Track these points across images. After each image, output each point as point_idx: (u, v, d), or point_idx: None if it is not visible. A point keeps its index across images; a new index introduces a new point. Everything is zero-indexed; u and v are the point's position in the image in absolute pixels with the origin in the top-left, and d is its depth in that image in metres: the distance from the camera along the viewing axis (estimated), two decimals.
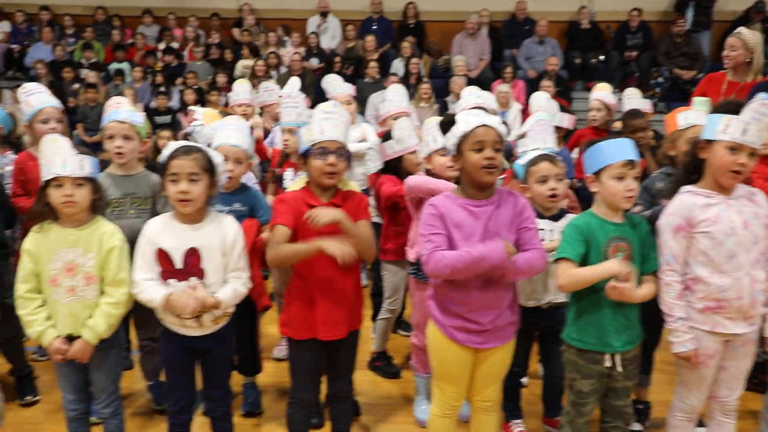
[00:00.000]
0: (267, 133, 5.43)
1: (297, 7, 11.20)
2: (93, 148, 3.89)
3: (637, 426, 3.26)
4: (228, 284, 2.64)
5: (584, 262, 2.53)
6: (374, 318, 4.09)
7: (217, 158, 2.66)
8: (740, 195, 2.57)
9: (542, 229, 2.98)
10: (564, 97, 9.07)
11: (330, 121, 2.66)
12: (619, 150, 2.54)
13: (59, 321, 2.62)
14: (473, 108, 4.12)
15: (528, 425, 3.32)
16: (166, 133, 7.70)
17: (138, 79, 9.81)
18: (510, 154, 3.91)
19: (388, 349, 4.05)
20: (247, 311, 3.20)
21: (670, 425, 2.79)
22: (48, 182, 2.55)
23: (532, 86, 9.38)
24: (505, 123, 2.62)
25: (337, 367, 2.81)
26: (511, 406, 3.28)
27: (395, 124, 3.50)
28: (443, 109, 8.89)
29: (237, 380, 3.40)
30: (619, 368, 2.58)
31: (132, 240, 2.71)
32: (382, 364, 3.94)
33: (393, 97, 4.57)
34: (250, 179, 3.64)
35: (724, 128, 2.47)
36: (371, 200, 3.42)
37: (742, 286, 2.50)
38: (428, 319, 3.10)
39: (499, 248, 2.38)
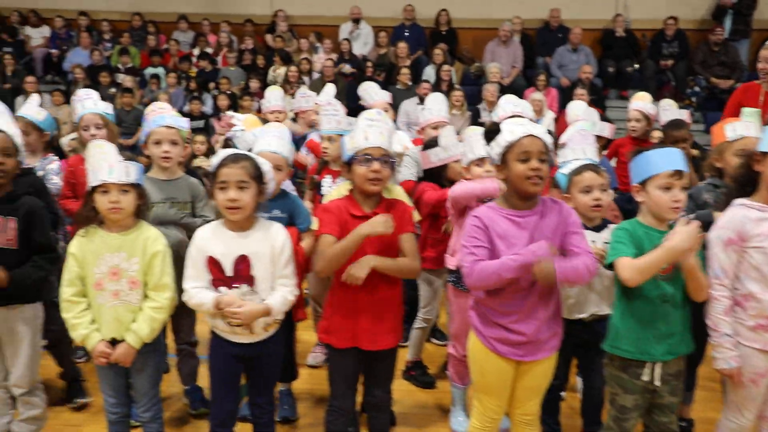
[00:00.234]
0: (301, 138, 5.44)
1: (330, 13, 11.25)
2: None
3: None
4: (277, 291, 2.64)
5: None
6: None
7: (266, 166, 2.66)
8: None
9: None
10: (598, 105, 8.95)
11: (374, 129, 2.65)
12: (667, 159, 2.49)
13: (103, 325, 2.65)
14: (511, 116, 4.15)
15: None
16: (200, 138, 7.81)
17: (172, 84, 9.93)
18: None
19: (423, 358, 4.02)
20: (284, 318, 3.19)
21: None
22: (94, 188, 2.58)
23: (565, 94, 9.34)
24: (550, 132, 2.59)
25: (376, 376, 2.80)
26: (549, 421, 3.22)
27: (441, 132, 3.49)
28: (475, 117, 8.85)
29: None
30: (657, 382, 2.52)
31: (171, 244, 2.71)
32: (417, 374, 3.91)
33: (432, 105, 4.55)
34: (287, 185, 3.65)
35: None
36: None
37: None
38: (468, 330, 3.08)
39: (543, 248, 2.34)
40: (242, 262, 2.61)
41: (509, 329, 2.50)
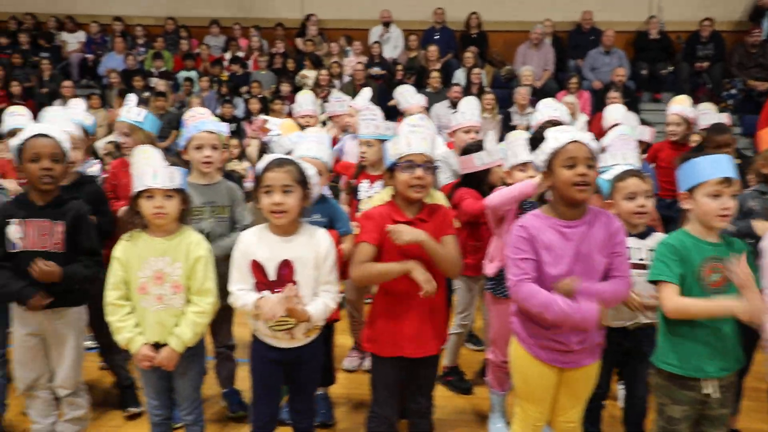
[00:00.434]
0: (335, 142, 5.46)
1: (360, 17, 11.28)
2: None
3: None
4: (319, 298, 2.64)
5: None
6: None
7: (310, 170, 2.67)
8: None
9: (629, 248, 2.89)
10: (631, 108, 8.82)
11: (417, 134, 2.64)
12: (716, 166, 2.44)
13: (146, 328, 2.68)
14: (549, 121, 4.11)
15: None
16: (234, 142, 7.88)
17: (205, 88, 10.02)
18: None
19: (459, 363, 3.99)
20: (324, 324, 3.20)
21: None
22: (139, 193, 2.61)
23: (598, 97, 9.23)
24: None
25: (419, 383, 2.78)
26: (592, 429, 3.16)
27: (486, 136, 3.47)
28: (506, 120, 8.81)
29: None
30: (717, 393, 2.47)
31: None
32: (454, 380, 3.89)
33: (465, 109, 4.53)
34: (324, 190, 3.66)
35: None
36: None
37: None
38: (507, 336, 3.06)
39: (593, 314, 2.35)
40: (286, 266, 2.61)
41: (553, 338, 2.48)
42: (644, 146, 4.61)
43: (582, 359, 2.53)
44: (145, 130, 3.80)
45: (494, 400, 3.43)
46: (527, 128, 7.76)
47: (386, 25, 11.06)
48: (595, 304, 2.35)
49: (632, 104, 9.31)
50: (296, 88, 10.07)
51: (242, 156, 8.03)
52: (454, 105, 8.83)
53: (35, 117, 4.40)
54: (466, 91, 9.15)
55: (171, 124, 8.93)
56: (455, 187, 3.59)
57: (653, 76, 10.11)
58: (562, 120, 4.19)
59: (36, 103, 9.15)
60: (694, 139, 5.30)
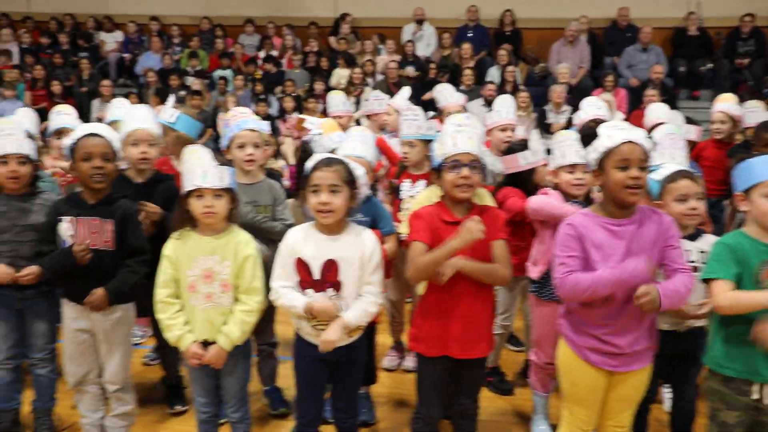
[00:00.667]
0: None
1: (393, 15, 11.26)
2: None
3: None
4: (359, 303, 2.63)
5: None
6: None
7: (359, 171, 2.67)
8: None
9: None
10: (669, 106, 8.71)
11: (463, 134, 2.63)
12: None
13: (195, 326, 2.70)
14: (592, 119, 4.06)
15: None
16: (270, 140, 7.92)
17: (240, 86, 10.09)
18: None
19: (499, 364, 3.97)
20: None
21: None
22: (189, 192, 2.63)
23: (634, 95, 9.10)
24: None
25: (465, 384, 2.77)
26: None
27: (531, 135, 3.44)
28: (541, 118, 8.73)
29: None
30: (767, 400, 2.42)
31: None
32: (495, 380, 3.86)
33: (501, 107, 4.50)
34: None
35: None
36: None
37: None
38: (551, 337, 3.03)
39: (641, 266, 2.28)
40: (330, 266, 2.61)
41: (603, 340, 2.45)
42: (690, 145, 4.52)
43: (633, 362, 2.49)
44: (178, 131, 3.84)
45: (537, 402, 3.40)
46: (566, 126, 7.70)
47: (419, 23, 11.03)
48: (641, 259, 2.29)
49: (670, 102, 9.09)
50: (330, 87, 10.12)
51: (277, 154, 8.07)
52: (488, 103, 8.78)
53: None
54: (500, 89, 9.09)
55: (206, 122, 9.00)
56: (499, 185, 3.56)
57: (692, 73, 9.93)
58: (606, 118, 4.15)
59: (76, 102, 9.33)
60: (738, 137, 5.19)
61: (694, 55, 9.98)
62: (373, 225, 3.20)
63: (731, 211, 4.32)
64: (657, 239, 2.40)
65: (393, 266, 3.52)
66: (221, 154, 3.53)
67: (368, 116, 5.75)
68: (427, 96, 8.99)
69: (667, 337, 2.85)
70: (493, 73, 9.91)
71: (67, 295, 2.98)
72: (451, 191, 2.62)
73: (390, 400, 3.75)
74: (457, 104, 4.94)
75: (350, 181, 2.61)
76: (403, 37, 10.98)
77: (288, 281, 2.64)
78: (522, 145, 3.51)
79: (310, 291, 2.63)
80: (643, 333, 2.47)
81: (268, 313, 3.40)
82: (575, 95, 9.31)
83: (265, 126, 3.50)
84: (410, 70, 10.29)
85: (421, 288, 2.81)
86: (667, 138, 3.46)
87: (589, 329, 2.47)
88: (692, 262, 2.81)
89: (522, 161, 3.45)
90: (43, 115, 6.03)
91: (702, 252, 2.82)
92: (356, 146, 3.24)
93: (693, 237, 2.92)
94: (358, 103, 9.25)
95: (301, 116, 5.59)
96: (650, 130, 4.14)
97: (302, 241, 2.65)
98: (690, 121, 4.84)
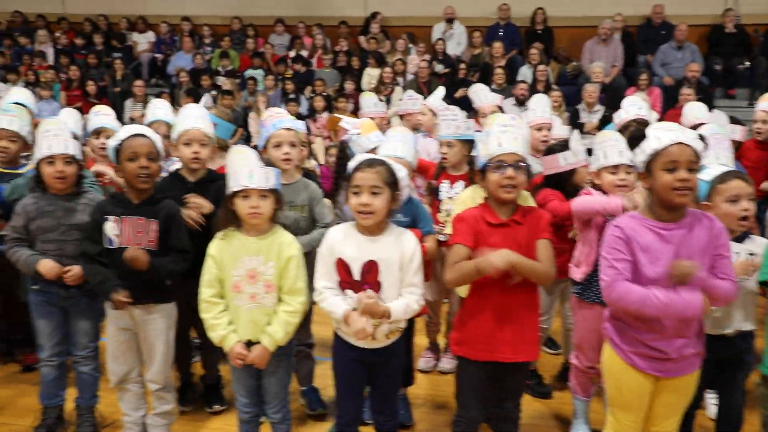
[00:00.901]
0: None
1: (423, 14, 11.24)
2: None
3: None
4: (402, 298, 2.62)
5: None
6: None
7: (401, 172, 2.66)
8: None
9: None
10: (705, 105, 8.56)
11: (508, 134, 2.60)
12: None
13: (240, 326, 2.71)
14: (634, 119, 4.00)
15: None
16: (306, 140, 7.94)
17: (270, 86, 10.14)
18: None
19: (537, 367, 3.93)
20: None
21: None
22: (235, 192, 2.64)
23: (669, 94, 8.95)
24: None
25: (508, 388, 2.74)
26: None
27: (572, 135, 3.40)
28: (574, 118, 8.63)
29: None
30: None
31: None
32: (533, 383, 3.82)
33: (536, 106, 4.45)
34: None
35: None
36: None
37: None
38: (593, 341, 2.99)
39: (697, 302, 2.27)
40: (371, 267, 2.61)
41: (650, 346, 2.41)
42: (735, 145, 4.42)
43: (681, 368, 2.45)
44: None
45: (578, 406, 3.36)
46: (599, 126, 7.60)
47: (449, 21, 10.99)
48: (698, 293, 2.25)
49: (705, 101, 8.88)
50: (360, 86, 10.14)
51: (309, 154, 8.09)
52: (519, 102, 8.72)
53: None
54: (532, 88, 9.02)
55: (236, 122, 9.06)
56: (538, 187, 3.52)
57: (728, 71, 9.74)
58: (647, 118, 4.09)
59: (110, 102, 9.45)
60: None
61: (731, 52, 9.80)
62: (412, 225, 3.19)
63: None
64: (707, 246, 2.35)
65: (432, 267, 3.50)
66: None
67: (401, 116, 5.73)
68: (460, 93, 8.96)
69: (714, 342, 2.80)
70: (525, 72, 9.84)
71: None
72: (496, 192, 2.59)
73: (426, 401, 3.74)
74: (493, 104, 4.91)
75: (392, 182, 2.60)
76: (433, 36, 10.94)
77: (330, 281, 2.65)
78: (562, 146, 3.47)
79: (349, 291, 2.63)
80: (691, 338, 2.43)
81: (306, 313, 3.41)
82: (609, 94, 9.22)
83: (301, 125, 3.50)
84: (440, 69, 10.25)
85: (463, 290, 2.79)
86: (712, 138, 3.39)
87: (635, 334, 2.43)
88: None
89: (562, 162, 3.40)
90: None
91: (752, 254, 2.76)
92: (396, 146, 3.22)
93: (740, 239, 2.86)
94: (388, 102, 9.23)
95: (338, 116, 5.59)
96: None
97: (342, 241, 2.64)
98: (734, 120, 4.73)
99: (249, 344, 2.71)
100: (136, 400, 3.13)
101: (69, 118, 4.21)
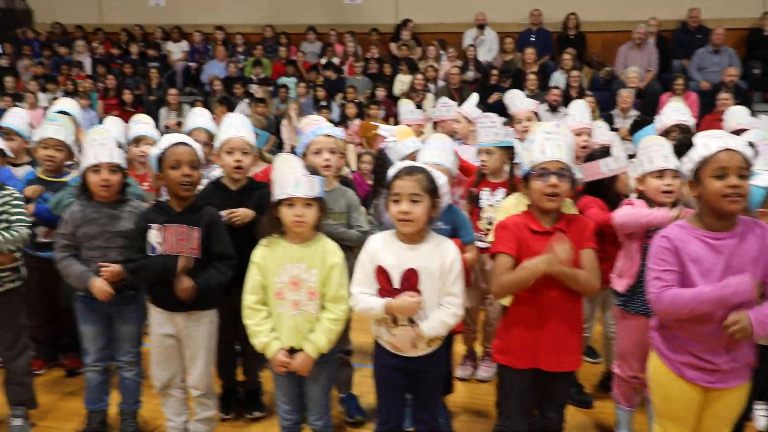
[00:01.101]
0: None
1: (454, 20, 11.23)
2: None
3: None
4: (437, 314, 2.60)
5: None
6: None
7: (441, 179, 2.65)
8: None
9: None
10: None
11: (551, 142, 2.58)
12: None
13: (282, 333, 2.72)
14: (676, 124, 3.94)
15: None
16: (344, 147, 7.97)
17: (302, 93, 10.20)
18: None
19: (577, 376, 3.87)
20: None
21: None
22: (280, 200, 2.66)
23: (706, 99, 8.81)
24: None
25: (552, 398, 2.71)
26: None
27: (614, 141, 3.36)
28: (608, 124, 8.52)
29: None
30: None
31: None
32: (573, 392, 3.75)
33: (575, 112, 4.41)
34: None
35: None
36: None
37: None
38: (640, 351, 2.94)
39: (746, 285, 2.19)
40: (410, 275, 2.60)
41: (699, 357, 2.36)
42: None
43: (731, 379, 2.39)
44: None
45: (621, 416, 3.30)
46: (631, 131, 7.49)
47: (481, 27, 10.95)
48: (746, 275, 2.20)
49: (744, 105, 8.76)
50: (391, 93, 10.15)
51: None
52: (553, 108, 8.65)
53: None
54: (565, 94, 8.95)
55: (269, 129, 9.13)
56: (578, 194, 3.48)
57: (767, 74, 9.55)
58: (689, 124, 4.03)
59: (145, 110, 9.60)
60: None
61: None
62: (453, 233, 3.18)
63: None
64: (759, 256, 2.30)
65: (471, 275, 3.48)
66: None
67: (435, 123, 5.72)
68: (493, 98, 8.93)
69: (765, 352, 2.74)
70: (557, 78, 9.76)
71: (154, 301, 3.06)
72: (539, 201, 2.57)
73: (465, 410, 3.71)
74: (528, 110, 4.86)
75: (432, 190, 2.59)
76: (464, 42, 10.92)
77: (367, 288, 2.64)
78: (603, 152, 3.43)
79: (389, 300, 2.62)
80: (742, 349, 2.37)
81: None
82: (643, 100, 9.11)
83: (339, 132, 3.52)
84: (471, 76, 10.22)
85: (506, 299, 2.77)
86: (761, 143, 3.32)
87: (684, 345, 2.38)
88: None
89: (603, 168, 3.36)
90: None
91: None
92: (435, 153, 3.21)
93: None
94: (419, 108, 9.23)
95: (372, 123, 5.61)
96: None
97: (382, 249, 2.64)
98: None
99: (291, 351, 2.72)
100: (179, 405, 3.16)
101: (113, 127, 4.29)
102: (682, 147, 2.43)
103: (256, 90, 10.45)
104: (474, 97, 5.14)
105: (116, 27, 12.32)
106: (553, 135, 2.60)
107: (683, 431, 2.48)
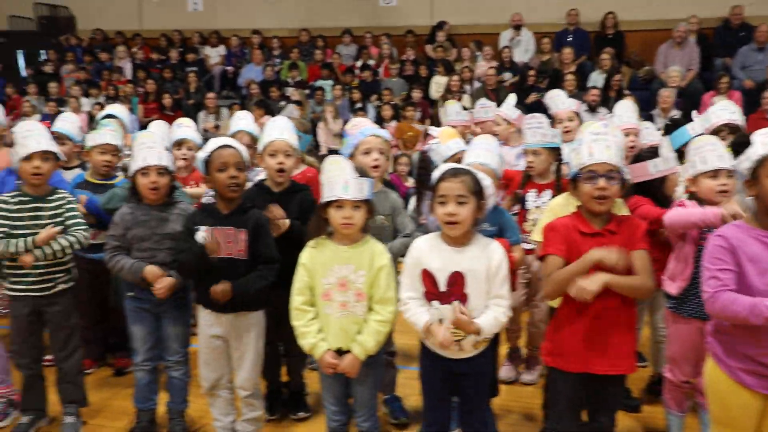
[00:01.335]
0: None
1: (490, 21, 11.18)
2: None
3: None
4: (489, 311, 2.59)
5: None
6: None
7: (486, 181, 2.63)
8: None
9: None
10: None
11: (599, 143, 2.54)
12: None
13: (330, 335, 2.73)
14: (725, 124, 3.86)
15: None
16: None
17: (338, 96, 10.25)
18: None
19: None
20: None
21: None
22: (329, 202, 2.67)
23: (750, 97, 8.61)
24: None
25: (604, 402, 2.67)
26: None
27: (663, 141, 3.30)
28: None
29: None
30: None
31: None
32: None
33: (622, 112, 4.34)
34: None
35: None
36: None
37: None
38: (693, 356, 2.88)
39: None
40: (457, 278, 2.58)
41: (759, 362, 2.30)
42: None
43: None
44: None
45: (672, 422, 3.23)
46: (666, 132, 7.34)
47: (517, 28, 10.88)
48: None
49: None
50: (427, 95, 10.14)
51: None
52: (591, 108, 8.54)
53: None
54: (604, 94, 8.83)
55: (306, 132, 9.19)
56: (626, 195, 3.42)
57: None
58: (739, 123, 3.94)
59: (184, 114, 9.74)
60: None
61: None
62: (499, 234, 3.15)
63: None
64: None
65: (517, 277, 3.44)
66: None
67: (475, 125, 5.68)
68: (531, 98, 8.86)
69: None
70: (596, 78, 9.64)
71: (201, 302, 3.09)
72: (588, 203, 2.53)
73: (509, 412, 3.68)
74: (570, 110, 4.81)
75: (477, 191, 2.58)
76: (500, 43, 10.86)
77: (415, 292, 2.64)
78: (652, 152, 3.36)
79: (435, 302, 2.61)
80: None
81: None
82: (685, 99, 8.94)
83: (386, 133, 3.52)
84: (508, 77, 10.16)
85: (555, 300, 2.74)
86: None
87: (743, 349, 2.32)
88: None
89: (652, 169, 3.29)
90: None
91: None
92: (480, 154, 3.18)
93: None
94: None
95: (409, 125, 5.60)
96: None
97: (428, 252, 2.63)
98: None
99: (339, 352, 2.72)
100: (226, 405, 3.19)
101: (158, 130, 4.36)
102: (739, 146, 2.37)
103: (292, 93, 10.53)
104: (512, 98, 5.10)
105: (155, 32, 12.53)
106: (602, 136, 2.56)
107: None
